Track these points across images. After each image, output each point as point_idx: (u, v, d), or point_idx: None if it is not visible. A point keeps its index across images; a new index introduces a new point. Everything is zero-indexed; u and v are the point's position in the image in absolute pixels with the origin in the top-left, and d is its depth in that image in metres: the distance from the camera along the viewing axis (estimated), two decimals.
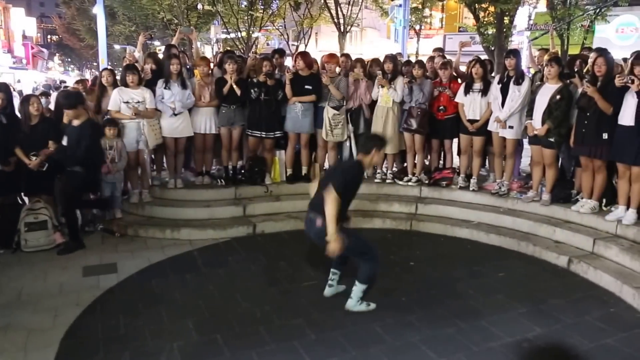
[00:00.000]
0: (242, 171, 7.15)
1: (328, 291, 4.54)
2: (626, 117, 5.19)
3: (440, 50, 8.24)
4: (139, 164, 6.55)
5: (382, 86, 6.82)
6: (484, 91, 6.48)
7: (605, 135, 5.37)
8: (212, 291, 4.69)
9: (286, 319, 4.17)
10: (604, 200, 5.81)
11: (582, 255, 5.34)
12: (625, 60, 6.13)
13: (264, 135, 6.89)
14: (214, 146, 7.07)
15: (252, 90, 6.69)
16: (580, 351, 3.75)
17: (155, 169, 7.18)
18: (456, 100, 6.64)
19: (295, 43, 27.88)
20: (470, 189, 6.81)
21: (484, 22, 17.08)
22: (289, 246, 5.93)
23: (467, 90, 6.54)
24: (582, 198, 5.93)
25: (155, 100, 6.46)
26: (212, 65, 7.28)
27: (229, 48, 7.43)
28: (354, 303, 4.27)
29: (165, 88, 6.50)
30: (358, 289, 4.25)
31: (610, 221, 5.51)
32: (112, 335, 3.90)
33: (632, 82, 5.02)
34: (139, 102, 6.25)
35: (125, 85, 6.29)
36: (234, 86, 6.62)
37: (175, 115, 6.50)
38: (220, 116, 6.82)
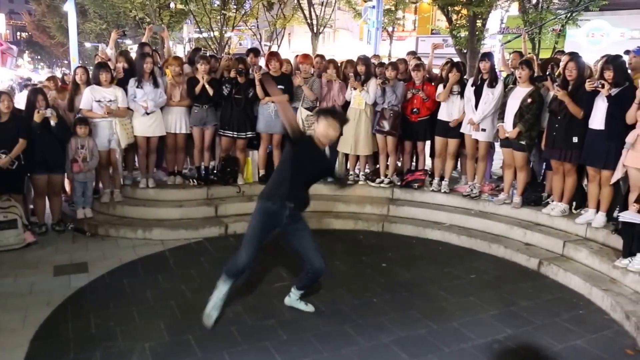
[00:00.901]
0: (215, 171, 7.14)
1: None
2: (596, 121, 5.32)
3: (413, 54, 8.36)
4: (111, 163, 6.49)
5: (355, 88, 6.89)
6: (462, 94, 6.60)
7: (575, 139, 5.50)
8: (184, 291, 4.69)
9: (258, 319, 4.19)
10: (574, 204, 5.97)
11: (553, 257, 5.48)
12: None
13: (236, 135, 6.90)
14: (186, 146, 7.05)
15: (224, 87, 6.69)
16: (550, 352, 3.85)
17: (126, 168, 7.11)
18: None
19: (268, 43, 27.81)
20: (442, 191, 6.93)
21: (457, 25, 17.37)
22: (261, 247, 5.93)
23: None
24: (552, 201, 6.08)
25: (128, 99, 6.41)
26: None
27: (197, 47, 7.42)
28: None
29: (137, 87, 6.46)
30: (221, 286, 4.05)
31: (580, 224, 5.66)
32: (82, 336, 3.87)
33: (602, 86, 5.14)
34: (111, 100, 6.20)
35: (98, 83, 6.22)
36: (206, 86, 6.61)
37: (148, 114, 6.46)
38: (192, 116, 6.82)
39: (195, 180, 7.01)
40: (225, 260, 5.39)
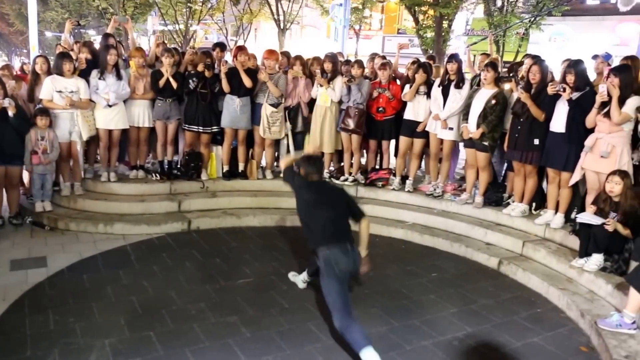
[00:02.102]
0: (178, 166, 7.04)
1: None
2: (557, 124, 5.45)
3: (375, 56, 8.43)
4: (72, 156, 6.31)
5: (321, 85, 6.90)
6: (429, 94, 6.67)
7: (536, 141, 5.62)
8: (145, 287, 4.60)
9: (221, 316, 4.15)
10: (534, 204, 6.11)
11: (512, 257, 5.60)
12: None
13: (201, 130, 6.81)
14: (149, 139, 6.93)
15: (190, 81, 6.61)
16: (508, 349, 3.93)
17: (88, 161, 6.93)
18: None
19: (234, 38, 27.55)
20: (406, 190, 7.00)
21: (423, 25, 17.58)
22: (224, 243, 5.90)
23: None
24: (513, 202, 6.22)
25: (90, 90, 6.25)
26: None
27: (159, 40, 7.28)
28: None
29: (100, 79, 6.32)
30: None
31: (539, 224, 5.79)
32: (40, 332, 3.76)
33: (564, 90, 5.27)
34: (72, 91, 6.03)
35: (59, 73, 6.04)
36: (171, 79, 6.51)
37: (110, 106, 6.32)
38: (155, 109, 6.70)
39: (158, 175, 6.89)
40: (188, 256, 5.39)
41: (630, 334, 3.90)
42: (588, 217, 4.79)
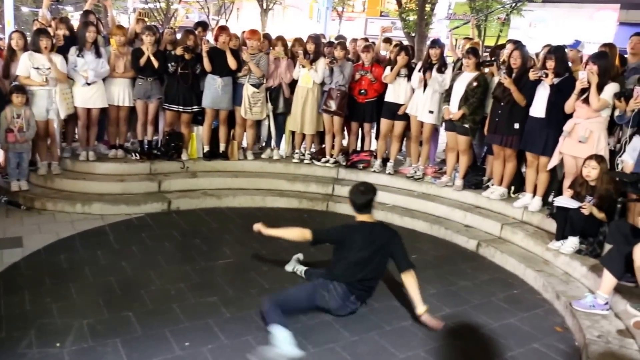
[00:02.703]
0: (158, 146, 6.96)
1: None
2: (537, 109, 5.51)
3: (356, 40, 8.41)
4: (49, 134, 6.19)
5: (304, 66, 6.85)
6: (409, 77, 6.67)
7: (517, 126, 5.68)
8: (124, 268, 4.56)
9: (201, 296, 4.14)
10: (513, 188, 6.20)
11: (490, 239, 5.68)
12: (537, 54, 6.56)
13: (181, 110, 6.74)
14: (129, 119, 6.82)
15: (169, 64, 6.51)
16: (486, 330, 4.00)
17: (65, 140, 6.80)
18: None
19: (216, 17, 27.16)
20: (387, 172, 7.03)
21: (406, 9, 17.52)
22: (204, 223, 5.87)
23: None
24: (492, 185, 6.29)
25: (68, 67, 6.12)
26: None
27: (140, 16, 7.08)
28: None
29: (78, 56, 6.19)
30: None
31: (517, 208, 5.88)
32: (16, 312, 3.71)
33: (546, 75, 5.34)
34: (49, 68, 5.89)
35: (37, 50, 5.89)
36: (152, 58, 6.41)
37: (89, 84, 6.20)
38: (136, 88, 6.61)
39: (137, 155, 6.80)
40: (168, 236, 5.36)
41: (603, 315, 4.00)
42: (565, 200, 4.87)
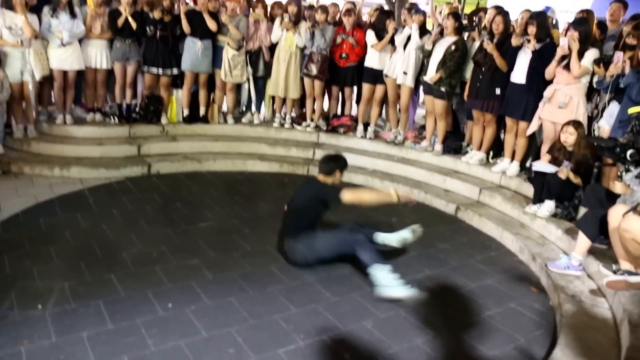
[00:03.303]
0: (137, 109, 6.84)
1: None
2: (518, 75, 5.53)
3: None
4: (24, 97, 6.03)
5: (287, 30, 6.74)
6: (392, 42, 6.62)
7: (498, 91, 5.71)
8: (105, 231, 4.54)
9: (183, 259, 4.15)
10: (491, 153, 6.27)
11: (469, 203, 5.76)
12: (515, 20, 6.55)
13: (160, 73, 6.61)
14: (107, 82, 6.68)
15: (147, 28, 6.36)
16: (464, 291, 4.10)
17: (41, 103, 6.64)
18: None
19: None
20: (367, 137, 7.04)
21: None
22: (185, 187, 5.85)
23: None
24: (471, 150, 6.36)
25: (41, 28, 5.93)
26: None
27: None
28: (383, 289, 3.80)
29: (52, 16, 5.98)
30: (373, 272, 3.87)
31: (496, 172, 5.96)
32: None
33: (528, 41, 5.36)
34: (22, 28, 5.70)
35: (9, 7, 5.68)
36: (130, 19, 6.24)
37: (64, 45, 6.02)
38: (114, 50, 6.45)
39: (116, 118, 6.70)
40: (149, 200, 5.33)
41: (576, 275, 4.12)
42: (543, 165, 4.95)
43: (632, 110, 4.11)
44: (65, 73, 6.22)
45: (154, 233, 4.60)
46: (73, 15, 6.07)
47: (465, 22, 6.49)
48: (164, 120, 6.89)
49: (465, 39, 6.26)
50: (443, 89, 6.14)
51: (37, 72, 5.91)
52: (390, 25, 6.54)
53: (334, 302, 3.74)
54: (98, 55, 6.39)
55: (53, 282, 3.63)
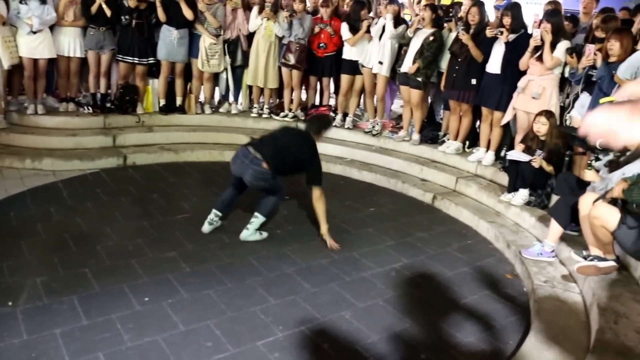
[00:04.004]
0: (112, 99, 6.72)
1: (207, 228, 4.51)
2: (493, 65, 5.60)
3: None
4: None
5: (268, 19, 6.68)
6: (368, 31, 6.61)
7: (474, 81, 5.77)
8: (79, 224, 4.47)
9: (159, 251, 4.11)
10: (467, 142, 6.34)
11: (446, 192, 5.82)
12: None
13: (136, 62, 6.50)
14: (81, 71, 6.54)
15: (122, 18, 6.23)
16: (441, 279, 4.15)
17: (11, 93, 6.48)
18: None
19: None
20: (345, 127, 7.04)
21: None
22: (161, 178, 5.79)
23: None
24: (448, 139, 6.41)
25: (10, 15, 5.77)
26: None
27: None
28: (249, 233, 4.41)
29: (21, 2, 5.82)
30: (258, 220, 4.41)
31: (472, 162, 6.03)
32: None
33: (502, 33, 5.42)
34: None
35: None
36: (104, 6, 6.11)
37: (34, 33, 5.87)
38: (87, 38, 6.31)
39: (90, 108, 6.57)
40: (124, 192, 5.26)
41: (549, 262, 4.21)
42: (517, 154, 5.02)
43: (603, 100, 4.19)
44: (35, 61, 6.07)
45: (129, 225, 4.55)
46: (43, 1, 5.91)
47: (441, 13, 6.52)
48: (139, 110, 6.78)
49: (442, 30, 6.29)
50: (420, 79, 6.16)
51: (5, 61, 5.76)
52: (365, 17, 6.52)
53: (313, 292, 3.76)
54: (71, 43, 6.25)
55: (24, 277, 3.56)
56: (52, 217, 4.56)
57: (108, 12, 6.14)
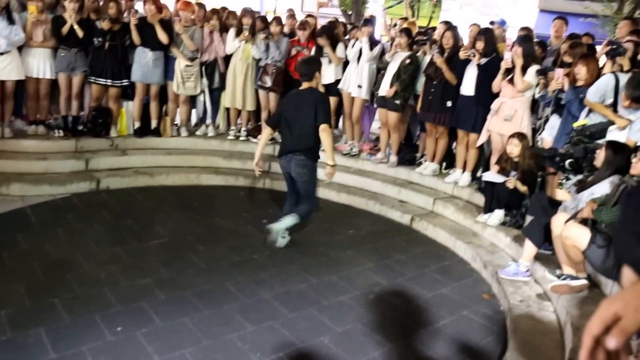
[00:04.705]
0: (84, 122, 6.60)
1: (282, 242, 4.78)
2: (467, 88, 5.71)
3: (292, 11, 8.41)
4: None
5: (246, 41, 6.68)
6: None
7: (449, 103, 5.85)
8: (48, 252, 4.32)
9: (133, 279, 4.00)
10: (444, 164, 6.40)
11: (423, 213, 5.84)
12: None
13: (109, 84, 6.40)
14: (51, 93, 6.40)
15: (95, 40, 6.14)
16: (420, 301, 4.14)
17: None
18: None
19: None
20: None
21: None
22: (136, 203, 5.68)
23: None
24: (425, 161, 6.46)
25: None
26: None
27: None
28: (280, 227, 4.66)
29: None
30: (292, 219, 4.68)
31: (448, 183, 6.08)
32: None
33: (474, 55, 5.54)
34: None
35: None
36: (75, 27, 6.01)
37: (1, 54, 5.73)
38: (58, 60, 6.17)
39: (61, 131, 6.42)
40: (97, 217, 5.13)
41: (524, 281, 4.25)
42: (492, 176, 5.09)
43: (577, 124, 4.30)
44: (2, 83, 5.90)
45: (102, 252, 4.42)
46: (11, 21, 5.75)
47: (419, 37, 6.65)
48: (113, 133, 6.66)
49: (418, 53, 6.38)
50: (397, 102, 6.22)
51: None
52: (322, 41, 6.58)
53: (291, 318, 3.70)
54: (40, 65, 6.10)
55: None
56: (19, 245, 4.40)
57: (80, 34, 6.03)
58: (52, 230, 4.76)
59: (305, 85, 4.70)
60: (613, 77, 4.41)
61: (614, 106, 4.36)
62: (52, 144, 6.26)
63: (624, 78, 4.33)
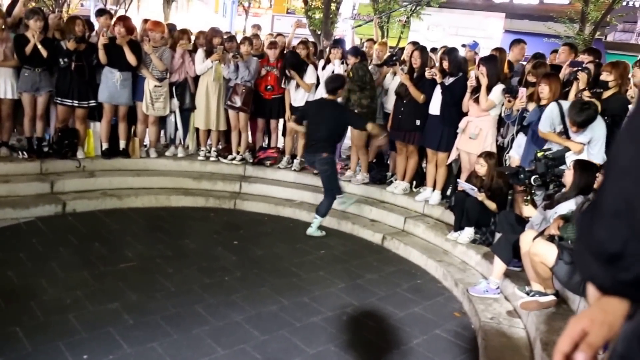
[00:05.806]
0: (50, 143, 6.46)
1: (317, 232, 5.75)
2: (434, 107, 5.80)
3: (258, 28, 8.53)
4: None
5: (219, 61, 6.67)
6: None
7: (418, 122, 5.93)
8: (10, 278, 4.17)
9: (100, 304, 3.90)
10: (415, 182, 6.46)
11: (395, 232, 5.87)
12: (434, 50, 6.93)
13: (76, 105, 6.29)
14: (14, 113, 6.24)
15: (60, 60, 6.02)
16: (392, 320, 4.13)
17: None
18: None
19: (115, 7, 25.73)
20: (293, 169, 7.04)
21: (312, 7, 17.75)
22: (104, 226, 5.56)
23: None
24: (395, 180, 6.52)
25: None
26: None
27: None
28: (313, 230, 5.69)
29: None
30: (318, 220, 5.69)
31: (419, 201, 6.13)
32: None
33: (435, 74, 5.64)
34: None
35: None
36: (39, 46, 5.88)
37: None
38: (21, 80, 5.99)
39: (25, 153, 6.25)
40: (63, 241, 5.00)
41: (495, 298, 4.30)
42: (466, 184, 5.14)
43: (539, 153, 4.40)
44: None
45: (68, 277, 4.30)
46: None
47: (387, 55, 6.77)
48: (80, 154, 6.52)
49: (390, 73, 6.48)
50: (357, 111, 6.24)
51: None
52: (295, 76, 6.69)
53: (263, 340, 3.64)
54: (2, 85, 5.92)
55: None
56: None
57: (44, 53, 5.90)
58: (14, 255, 4.59)
59: (329, 97, 5.56)
60: (556, 105, 4.54)
61: (565, 133, 4.50)
62: (15, 166, 6.08)
63: (566, 105, 4.48)
